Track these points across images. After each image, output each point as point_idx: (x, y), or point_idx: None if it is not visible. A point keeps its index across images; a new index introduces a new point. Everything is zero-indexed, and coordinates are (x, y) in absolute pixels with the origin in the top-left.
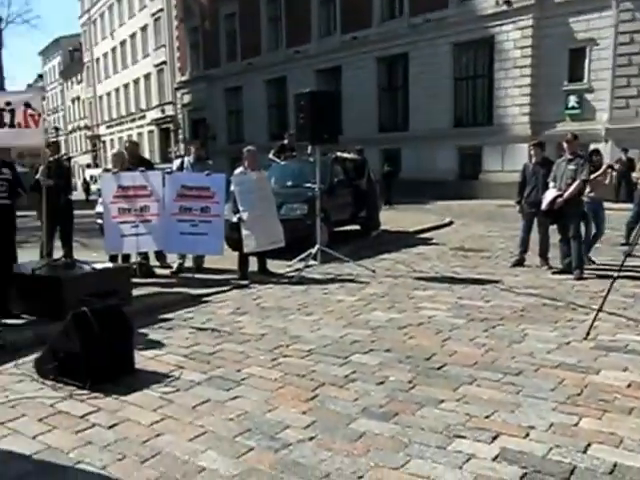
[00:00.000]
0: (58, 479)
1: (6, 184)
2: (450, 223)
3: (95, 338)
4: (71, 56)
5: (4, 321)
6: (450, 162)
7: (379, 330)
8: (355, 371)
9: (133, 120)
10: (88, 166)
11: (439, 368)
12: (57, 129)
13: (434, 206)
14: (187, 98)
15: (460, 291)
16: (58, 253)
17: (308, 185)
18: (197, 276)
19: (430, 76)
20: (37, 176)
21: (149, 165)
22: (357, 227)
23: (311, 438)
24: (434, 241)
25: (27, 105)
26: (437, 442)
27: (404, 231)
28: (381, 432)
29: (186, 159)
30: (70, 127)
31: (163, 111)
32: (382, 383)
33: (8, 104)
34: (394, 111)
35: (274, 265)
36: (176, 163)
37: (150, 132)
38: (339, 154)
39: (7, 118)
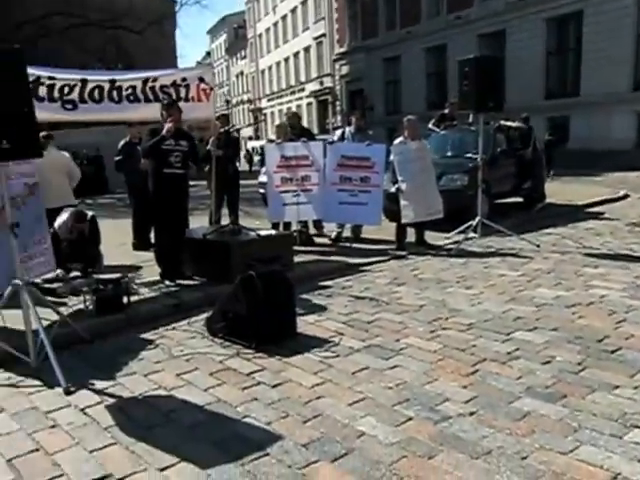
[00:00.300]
0: (228, 430)
1: (181, 155)
2: (625, 196)
3: (261, 301)
4: (236, 33)
5: (179, 282)
6: (627, 129)
7: (545, 307)
8: (518, 348)
9: (292, 93)
10: (250, 138)
11: (613, 352)
12: (228, 102)
13: (606, 178)
14: (345, 69)
15: (637, 270)
16: (225, 220)
17: (469, 155)
18: (355, 245)
19: (607, 35)
20: (207, 147)
21: (310, 135)
22: (520, 199)
23: (472, 413)
24: (606, 216)
25: (201, 79)
26: (611, 430)
27: (572, 204)
28: (547, 414)
29: (347, 129)
30: (234, 101)
31: (321, 83)
32: (548, 363)
33: (184, 80)
34: (563, 76)
35: (432, 237)
36: (337, 133)
37: (308, 104)
38: (502, 122)
39: (182, 93)
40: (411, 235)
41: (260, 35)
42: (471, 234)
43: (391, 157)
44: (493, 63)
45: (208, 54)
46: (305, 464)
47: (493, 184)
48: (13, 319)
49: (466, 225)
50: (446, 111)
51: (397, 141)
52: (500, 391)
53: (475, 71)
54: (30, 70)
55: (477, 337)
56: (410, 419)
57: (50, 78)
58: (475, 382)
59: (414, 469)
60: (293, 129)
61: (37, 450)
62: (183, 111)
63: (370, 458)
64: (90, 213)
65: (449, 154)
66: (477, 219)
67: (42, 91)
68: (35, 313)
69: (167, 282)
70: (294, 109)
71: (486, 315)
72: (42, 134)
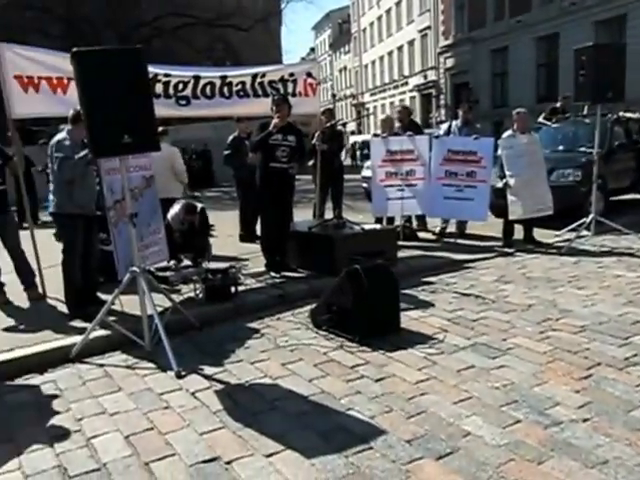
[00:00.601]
0: (332, 421)
1: (288, 150)
2: None
3: (365, 295)
4: (340, 28)
5: (284, 274)
6: None
7: None
8: (637, 354)
9: (396, 87)
10: (352, 133)
11: None
12: (334, 96)
13: None
14: (450, 62)
15: None
16: (328, 214)
17: (583, 149)
18: (459, 241)
19: None
20: (312, 141)
21: (418, 130)
22: (638, 196)
23: (585, 419)
24: None
25: (309, 74)
26: None
27: None
28: None
29: (453, 123)
30: (337, 96)
31: (425, 77)
32: None
33: (291, 75)
34: None
35: (541, 234)
36: (443, 127)
37: (412, 98)
38: (622, 114)
39: (290, 88)
40: (519, 232)
41: (364, 30)
42: (584, 232)
43: (499, 151)
44: (613, 51)
45: (312, 50)
46: (409, 460)
47: (609, 179)
48: (129, 304)
49: (578, 222)
50: (558, 105)
51: (506, 134)
52: (617, 398)
53: (593, 60)
54: (148, 68)
55: (591, 340)
56: (518, 421)
57: (166, 75)
58: (589, 387)
59: (522, 473)
60: (402, 123)
61: (151, 429)
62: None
63: (476, 459)
64: (200, 205)
65: (561, 148)
66: (591, 216)
67: (158, 88)
68: (150, 299)
69: (272, 273)
70: (397, 103)
71: (600, 317)
72: (160, 129)
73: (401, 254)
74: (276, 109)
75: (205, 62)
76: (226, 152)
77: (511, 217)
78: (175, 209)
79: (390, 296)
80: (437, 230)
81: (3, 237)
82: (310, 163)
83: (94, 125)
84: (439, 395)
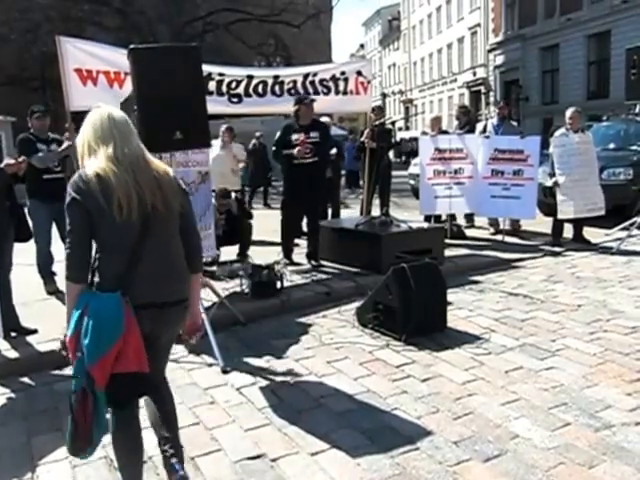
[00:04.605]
0: (377, 421)
1: (311, 147)
2: None
3: (412, 293)
4: (389, 25)
5: (328, 270)
6: None
7: None
8: None
9: (444, 83)
10: (400, 129)
11: None
12: (384, 95)
13: None
14: (500, 59)
15: None
16: (375, 211)
17: (634, 148)
18: (507, 240)
19: None
20: (362, 138)
21: (472, 128)
22: None
23: (637, 423)
24: None
25: (359, 73)
26: None
27: None
28: None
29: (489, 122)
30: (385, 92)
31: (474, 74)
32: None
33: (343, 73)
34: None
35: (591, 233)
36: (478, 128)
37: (461, 95)
38: None
39: (341, 86)
40: (568, 230)
41: (414, 26)
42: (635, 231)
43: (550, 149)
44: None
45: (362, 46)
46: (456, 462)
47: None
48: None
49: (630, 222)
50: None
51: (558, 132)
52: None
53: None
54: (203, 67)
55: None
56: (568, 424)
57: (220, 74)
58: None
59: (573, 477)
60: (458, 121)
61: (197, 424)
62: (340, 103)
63: (525, 462)
64: (234, 194)
65: (612, 146)
66: None
67: (211, 86)
68: None
69: (285, 260)
70: (445, 100)
71: None
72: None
73: (448, 253)
74: (294, 111)
75: (256, 57)
76: (274, 148)
77: (561, 216)
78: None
79: (437, 295)
80: (492, 230)
81: (59, 226)
82: (333, 151)
83: (147, 121)
84: (486, 396)
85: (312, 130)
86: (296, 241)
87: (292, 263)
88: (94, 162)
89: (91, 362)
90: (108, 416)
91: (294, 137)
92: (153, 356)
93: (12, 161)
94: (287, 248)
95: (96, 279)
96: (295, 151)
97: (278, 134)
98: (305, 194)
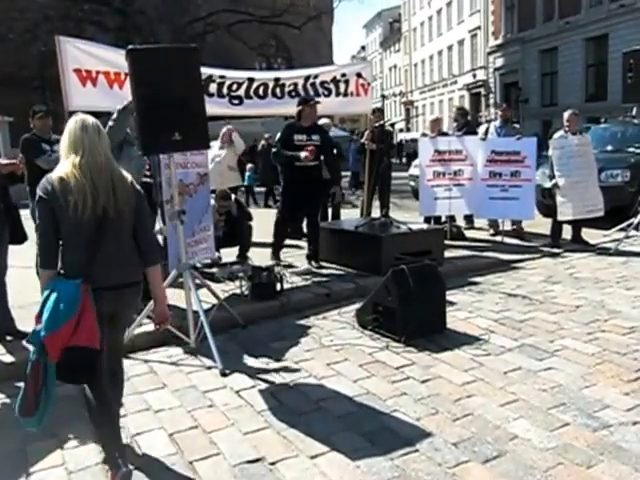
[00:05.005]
0: (377, 423)
1: (315, 151)
2: None
3: (411, 295)
4: (390, 27)
5: (328, 272)
6: None
7: None
8: None
9: (445, 85)
10: (401, 130)
11: None
12: (384, 97)
13: None
14: (499, 62)
15: None
16: (375, 212)
17: (631, 150)
18: (507, 241)
19: None
20: (362, 140)
21: (471, 130)
22: None
23: (635, 422)
24: None
25: (358, 75)
26: None
27: None
28: None
29: (492, 124)
30: (386, 93)
31: (474, 76)
32: None
33: (343, 75)
34: None
35: (589, 234)
36: (481, 130)
37: (461, 97)
38: None
39: (342, 88)
40: (566, 231)
41: (414, 29)
42: (632, 232)
43: (549, 151)
44: None
45: (363, 48)
46: (455, 464)
47: None
48: (174, 298)
49: (627, 222)
50: None
51: (557, 135)
52: None
53: None
54: (203, 69)
55: None
56: (566, 424)
57: (221, 77)
58: (638, 389)
59: (571, 478)
60: (457, 122)
61: (196, 427)
62: (341, 105)
63: (524, 463)
64: (234, 196)
65: (609, 148)
66: (639, 217)
67: (212, 88)
68: (196, 296)
69: (277, 260)
70: (446, 102)
71: None
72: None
73: (448, 254)
74: (298, 111)
75: (257, 58)
76: (275, 149)
77: (560, 218)
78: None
79: (436, 296)
80: (491, 231)
81: None
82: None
83: (146, 121)
84: (486, 397)
85: (314, 133)
86: (297, 243)
87: (280, 263)
88: (60, 167)
89: (46, 333)
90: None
91: (296, 138)
92: (111, 334)
93: (6, 161)
94: (277, 246)
95: (61, 267)
96: (302, 155)
97: (279, 135)
98: (304, 195)
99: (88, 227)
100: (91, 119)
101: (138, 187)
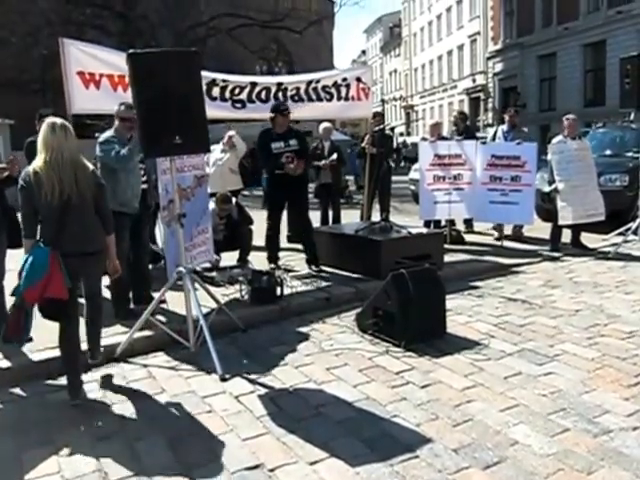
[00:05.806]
0: (377, 429)
1: (292, 154)
2: None
3: (411, 299)
4: (391, 32)
5: (329, 276)
6: None
7: None
8: None
9: (445, 90)
10: (401, 134)
11: None
12: (384, 101)
13: None
14: (498, 67)
15: None
16: (375, 217)
17: (630, 154)
18: (506, 245)
19: None
20: (362, 144)
21: (470, 134)
22: None
23: (635, 428)
24: None
25: (358, 80)
26: None
27: None
28: None
29: (499, 128)
30: (386, 98)
31: (474, 80)
32: None
33: (344, 80)
34: None
35: (588, 238)
36: (490, 132)
37: (460, 101)
38: None
39: (343, 92)
40: (566, 236)
41: (415, 34)
42: (631, 236)
43: (549, 156)
44: None
45: (363, 52)
46: (456, 470)
47: None
48: (174, 302)
49: (626, 227)
50: None
51: (556, 140)
52: None
53: (638, 69)
54: (206, 74)
55: (639, 346)
56: (567, 430)
57: (224, 81)
58: (638, 394)
59: None
60: (456, 127)
61: (194, 433)
62: (342, 109)
63: (524, 468)
64: (234, 199)
65: (608, 153)
66: (638, 221)
67: (215, 92)
68: (196, 300)
69: (272, 265)
70: (446, 106)
71: None
72: None
73: (448, 258)
74: (271, 118)
75: (258, 62)
76: (261, 155)
77: (561, 222)
78: (211, 205)
79: (436, 301)
80: (495, 235)
81: None
82: (334, 157)
83: (147, 125)
84: (486, 402)
85: (290, 138)
86: (296, 246)
87: (279, 267)
88: (35, 162)
89: (24, 288)
90: None
91: (274, 146)
92: (87, 282)
93: (1, 166)
94: (273, 257)
95: (40, 237)
96: (290, 169)
97: (258, 141)
98: (288, 198)
99: (56, 210)
100: (59, 122)
101: (98, 175)
